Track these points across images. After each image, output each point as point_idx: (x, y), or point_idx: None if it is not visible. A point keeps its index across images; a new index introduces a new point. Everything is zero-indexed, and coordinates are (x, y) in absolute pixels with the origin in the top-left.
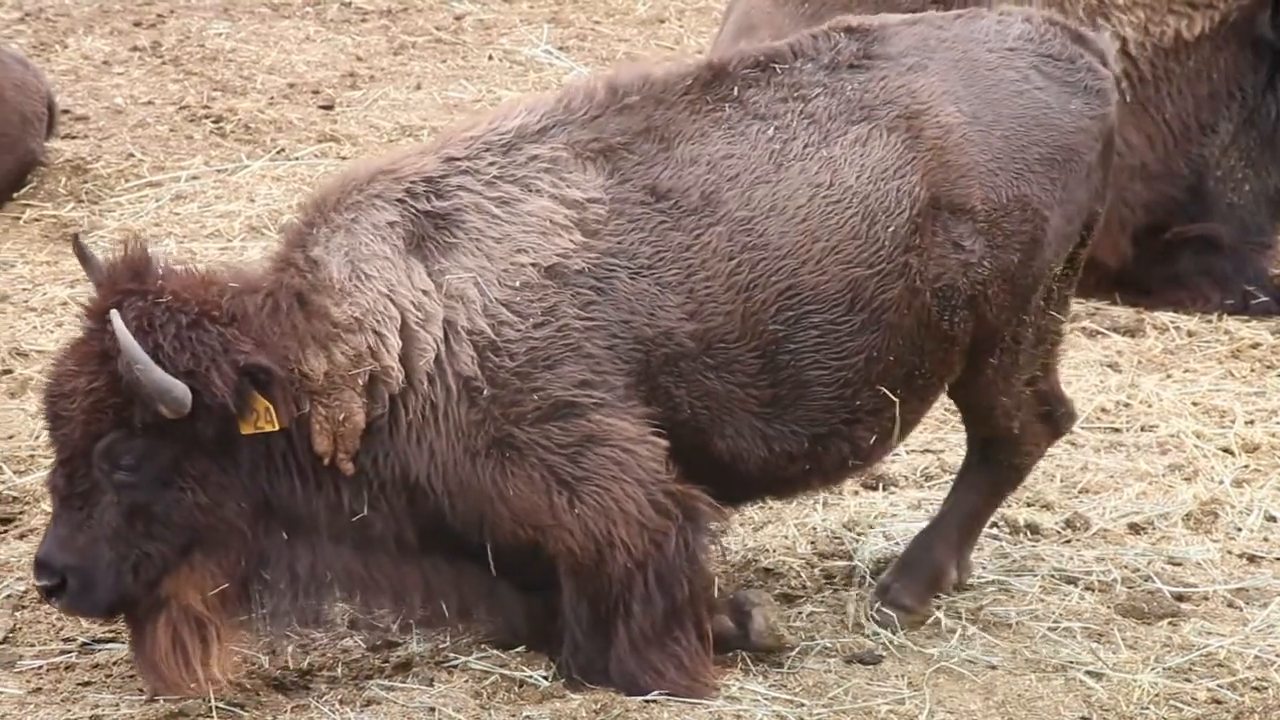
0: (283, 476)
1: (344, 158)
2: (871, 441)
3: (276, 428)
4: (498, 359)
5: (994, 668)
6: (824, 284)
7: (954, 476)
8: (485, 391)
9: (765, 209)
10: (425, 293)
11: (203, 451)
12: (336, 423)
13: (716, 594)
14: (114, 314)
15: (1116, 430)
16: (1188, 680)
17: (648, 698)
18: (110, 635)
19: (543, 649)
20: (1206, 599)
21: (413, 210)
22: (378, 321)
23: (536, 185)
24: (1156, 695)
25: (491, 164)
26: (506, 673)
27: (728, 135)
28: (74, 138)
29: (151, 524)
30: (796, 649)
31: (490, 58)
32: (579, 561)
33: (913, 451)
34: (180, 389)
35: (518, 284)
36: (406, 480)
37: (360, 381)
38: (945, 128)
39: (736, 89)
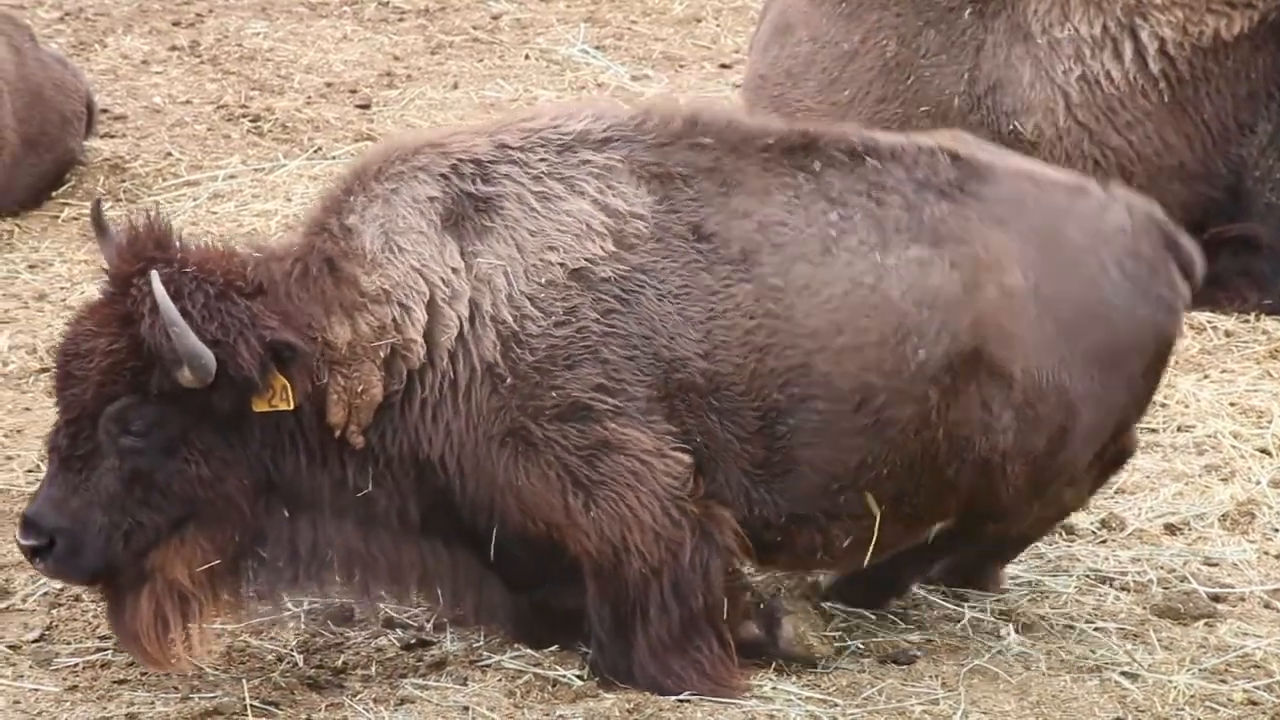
0: (290, 451)
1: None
2: (846, 544)
3: (290, 407)
4: (519, 350)
5: (1029, 668)
6: (836, 376)
7: None
8: (507, 380)
9: (799, 285)
10: (455, 270)
11: (213, 424)
12: (354, 394)
13: (748, 600)
14: (154, 274)
15: (1153, 430)
16: (1223, 681)
17: (680, 697)
18: None
19: (525, 643)
20: (1243, 600)
21: (455, 188)
22: (405, 295)
23: (581, 188)
24: (1192, 696)
25: (543, 159)
26: (540, 672)
27: (789, 203)
28: (112, 137)
29: (150, 493)
30: (827, 657)
31: (527, 57)
32: (597, 564)
33: None
34: (209, 357)
35: (543, 280)
36: (416, 458)
37: (382, 355)
38: (1007, 290)
39: (818, 164)
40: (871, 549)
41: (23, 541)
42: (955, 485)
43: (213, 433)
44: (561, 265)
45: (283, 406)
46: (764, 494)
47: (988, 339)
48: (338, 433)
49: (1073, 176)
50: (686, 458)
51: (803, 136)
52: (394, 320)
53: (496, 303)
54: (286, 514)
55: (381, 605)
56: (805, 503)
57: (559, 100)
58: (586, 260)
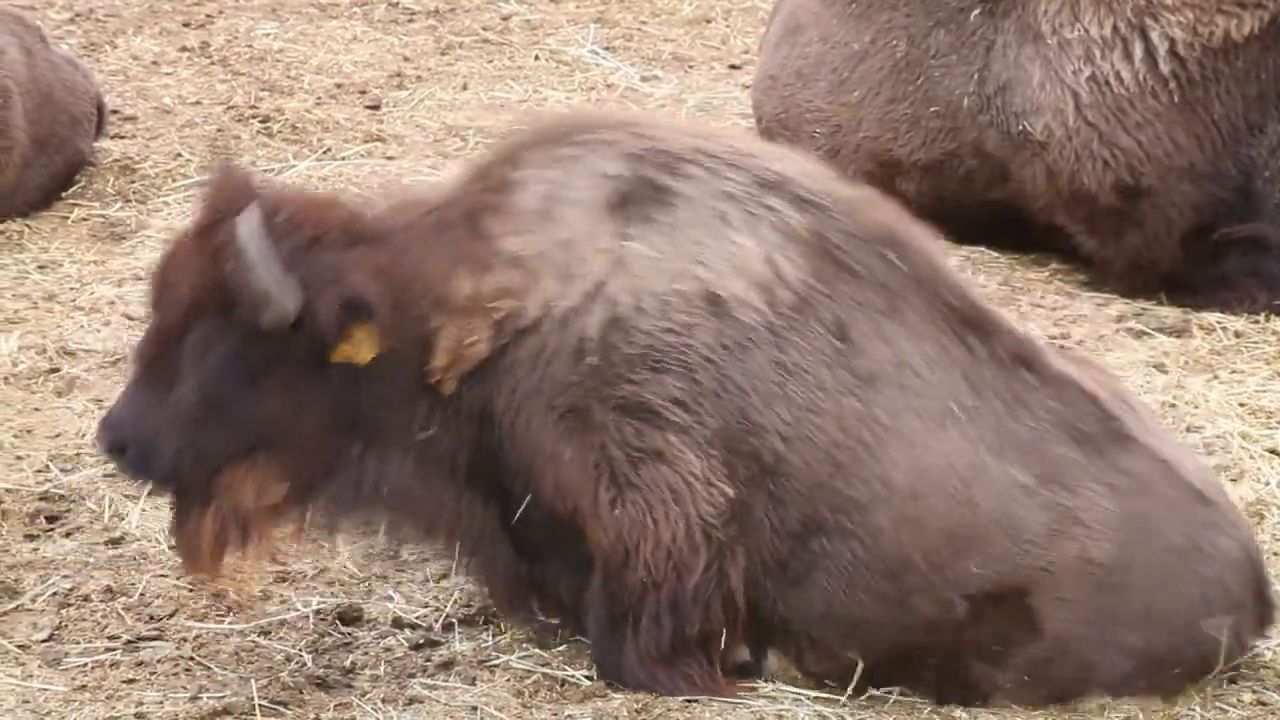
0: (370, 390)
1: (390, 158)
2: (815, 670)
3: (366, 360)
4: (617, 336)
5: None
6: (886, 536)
7: None
8: (592, 359)
9: (902, 435)
10: (599, 250)
11: (296, 362)
12: (461, 345)
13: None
14: (244, 218)
15: None
16: (1232, 681)
17: (689, 698)
18: (155, 633)
19: (508, 611)
20: None
21: (638, 172)
22: (540, 264)
23: (759, 231)
24: (1203, 698)
25: (738, 184)
26: (548, 672)
27: (933, 361)
28: (122, 138)
29: (226, 418)
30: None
31: (537, 58)
32: (606, 560)
33: None
34: (286, 306)
35: (678, 287)
36: (484, 409)
37: (497, 315)
38: (1088, 558)
39: (982, 349)
40: (850, 690)
41: (99, 446)
42: (936, 686)
43: (294, 370)
44: (702, 282)
45: (360, 357)
46: (769, 588)
47: (1042, 592)
48: (435, 379)
49: (1208, 485)
50: (731, 492)
51: (982, 315)
52: (519, 286)
53: (624, 286)
54: (357, 450)
55: (390, 605)
56: (799, 619)
57: (781, 147)
58: (728, 294)
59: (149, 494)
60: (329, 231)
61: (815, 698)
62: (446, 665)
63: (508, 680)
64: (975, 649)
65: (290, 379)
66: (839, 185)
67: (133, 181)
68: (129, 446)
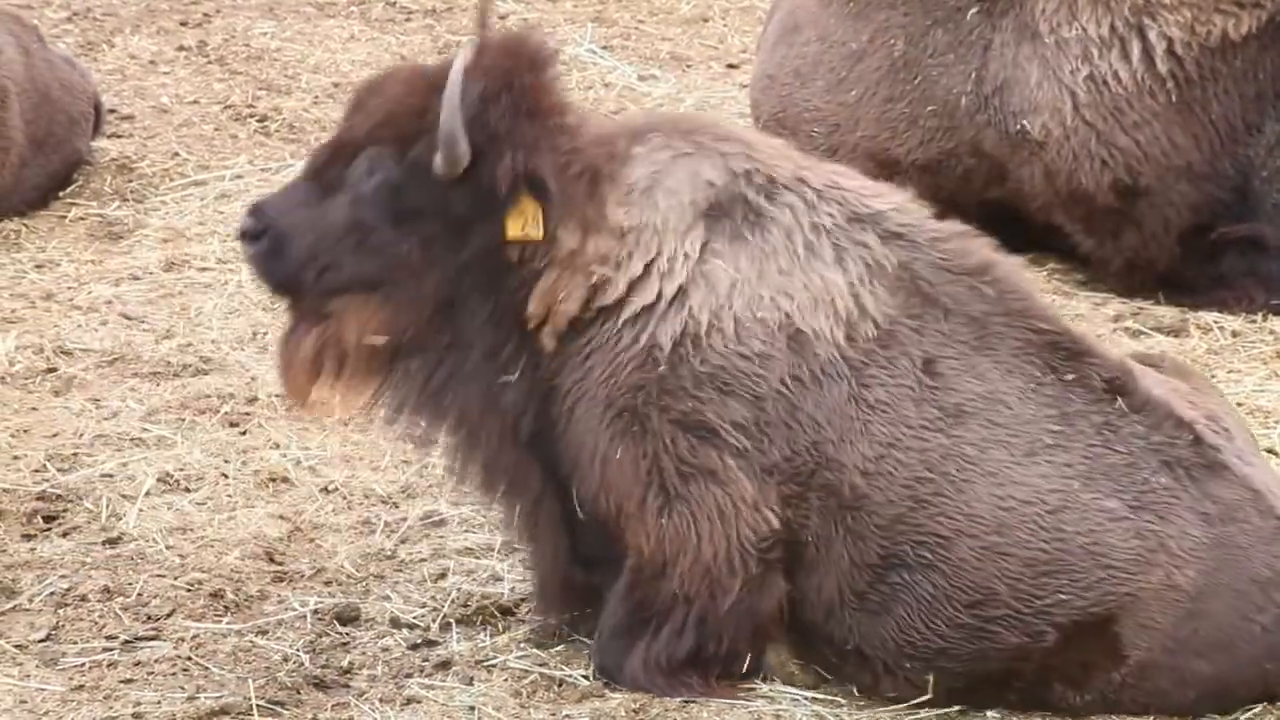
0: (482, 294)
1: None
2: (888, 694)
3: (540, 236)
4: (691, 351)
5: None
6: (968, 567)
7: None
8: (660, 367)
9: (987, 469)
10: (686, 255)
11: (445, 220)
12: (555, 297)
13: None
14: (464, 54)
15: None
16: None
17: (686, 699)
18: (152, 633)
19: (551, 597)
20: None
21: (738, 189)
22: (635, 244)
23: (846, 265)
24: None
25: (831, 217)
26: (546, 672)
27: (1025, 393)
28: (120, 137)
29: (362, 245)
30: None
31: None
32: (640, 564)
33: None
34: (464, 149)
35: (759, 315)
36: (552, 383)
37: (592, 279)
38: (1173, 584)
39: (1072, 376)
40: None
41: (243, 222)
42: (1017, 705)
43: (440, 227)
44: (785, 315)
45: (533, 234)
46: (845, 617)
47: (1131, 616)
48: (531, 324)
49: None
50: (776, 522)
51: (1075, 343)
52: (616, 256)
53: (703, 302)
54: (447, 341)
55: (388, 605)
56: (875, 647)
57: (879, 182)
58: (809, 328)
59: (269, 292)
60: (549, 113)
61: (813, 698)
62: (444, 665)
63: (505, 680)
64: (1060, 673)
65: (432, 233)
66: (931, 219)
67: (130, 181)
68: (265, 236)
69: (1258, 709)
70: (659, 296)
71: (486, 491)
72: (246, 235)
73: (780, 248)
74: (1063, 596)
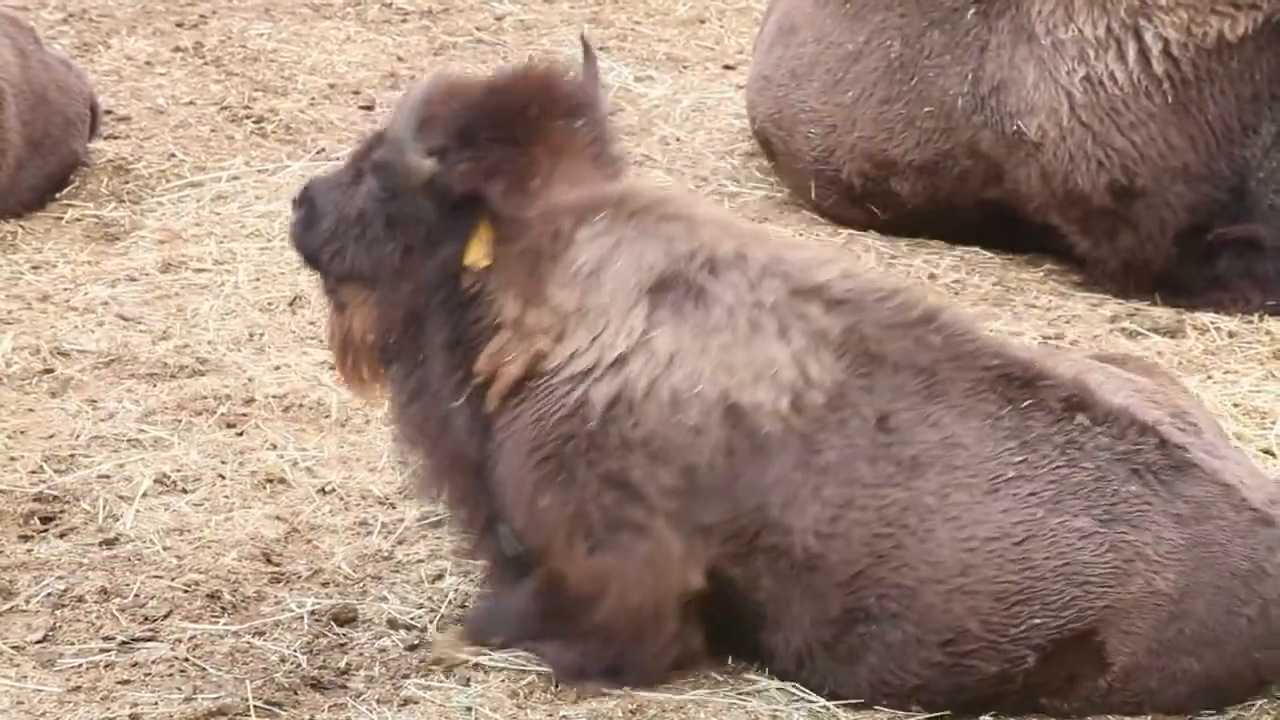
0: (445, 317)
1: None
2: None
3: (486, 262)
4: (624, 414)
5: None
6: (938, 611)
7: None
8: (589, 423)
9: (949, 513)
10: (630, 330)
11: (425, 230)
12: (502, 359)
13: None
14: (426, 80)
15: None
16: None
17: (684, 697)
18: (149, 634)
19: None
20: None
21: (681, 270)
22: (578, 321)
23: (791, 338)
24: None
25: (772, 293)
26: (543, 672)
27: (982, 431)
28: (116, 138)
29: (363, 238)
30: None
31: (531, 58)
32: (562, 586)
33: None
34: (411, 161)
35: (696, 389)
36: (490, 419)
37: (535, 347)
38: (1153, 589)
39: (1028, 403)
40: None
41: (297, 193)
42: (1005, 709)
43: (420, 237)
44: (723, 390)
45: (483, 262)
46: (816, 667)
47: (1112, 626)
48: (478, 379)
49: (1267, 502)
50: (701, 581)
51: (1026, 370)
52: (558, 331)
53: (641, 370)
54: (421, 355)
55: (385, 606)
56: (852, 691)
57: (820, 244)
58: (749, 402)
59: (300, 262)
60: (530, 160)
61: (811, 699)
62: (446, 666)
63: (502, 681)
64: (1045, 688)
65: (412, 242)
66: (875, 279)
67: (126, 182)
68: (305, 208)
69: (1255, 707)
70: (598, 363)
71: (448, 508)
72: (294, 202)
73: (723, 324)
74: (1037, 621)
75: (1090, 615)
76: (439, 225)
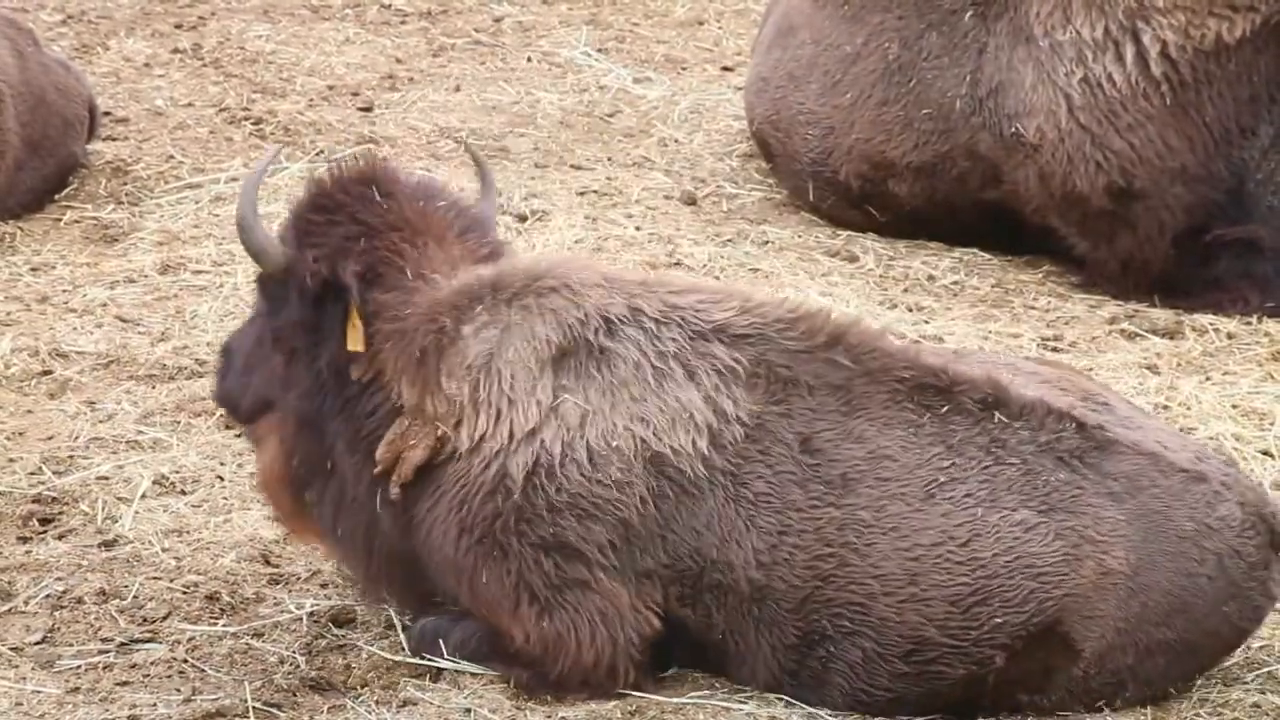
0: (343, 419)
1: (383, 159)
2: None
3: (360, 348)
4: (546, 482)
5: None
6: (894, 623)
7: None
8: (513, 496)
9: (888, 525)
10: (538, 403)
11: (303, 334)
12: (406, 443)
13: None
14: (273, 150)
15: None
16: (1227, 685)
17: (683, 699)
18: (148, 636)
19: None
20: None
21: (577, 335)
22: (473, 410)
23: (699, 379)
24: (1199, 699)
25: (673, 340)
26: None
27: (906, 440)
28: (115, 140)
29: (262, 363)
30: None
31: (529, 59)
32: (509, 641)
33: None
34: (258, 240)
35: (615, 444)
36: (406, 512)
37: (435, 433)
38: (1105, 569)
39: (946, 408)
40: None
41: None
42: (987, 709)
43: (301, 341)
44: (641, 441)
45: (357, 347)
46: (791, 694)
47: (1073, 614)
48: (378, 469)
49: (1193, 460)
50: (657, 622)
51: (939, 377)
52: (456, 418)
53: (557, 437)
54: (329, 467)
55: (385, 607)
56: (829, 710)
57: (715, 283)
58: (670, 448)
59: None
60: (389, 248)
61: (806, 702)
62: (439, 667)
63: (501, 682)
64: (1021, 685)
65: (294, 348)
66: (775, 309)
67: (125, 184)
68: (222, 360)
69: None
70: (510, 436)
71: (397, 604)
72: (219, 354)
73: (630, 379)
74: (999, 620)
75: (1050, 606)
76: (314, 322)
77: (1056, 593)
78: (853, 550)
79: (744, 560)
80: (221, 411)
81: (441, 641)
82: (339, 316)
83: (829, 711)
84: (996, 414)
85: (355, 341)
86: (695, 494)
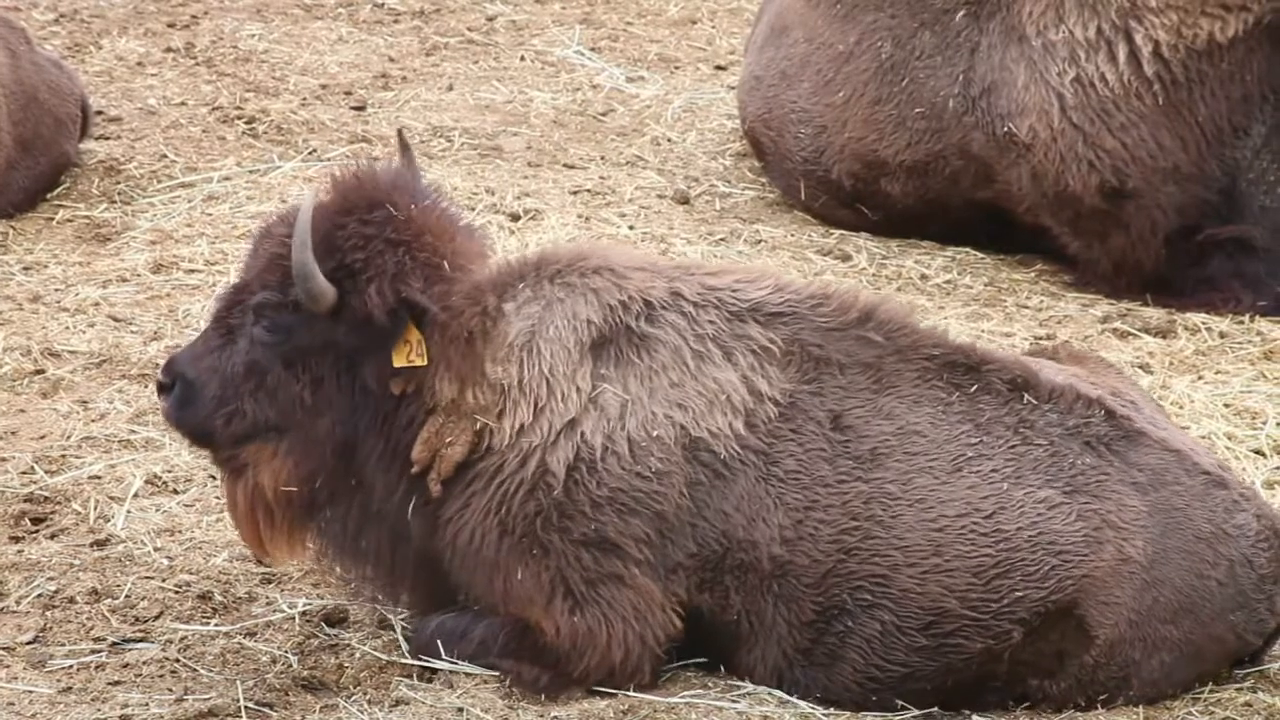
0: (377, 434)
1: (376, 159)
2: None
3: (424, 363)
4: (586, 477)
5: None
6: (915, 594)
7: None
8: (554, 492)
9: (914, 497)
10: (578, 390)
11: (334, 358)
12: (442, 441)
13: None
14: (307, 195)
15: None
16: (1219, 684)
17: (675, 699)
18: (140, 635)
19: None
20: None
21: (617, 319)
22: (520, 392)
23: (736, 360)
24: (1191, 697)
25: (712, 323)
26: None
27: (935, 417)
28: (107, 139)
29: (260, 389)
30: None
31: (522, 59)
32: (539, 633)
33: None
34: (319, 282)
35: (654, 433)
36: (437, 513)
37: (475, 426)
38: (1124, 556)
39: (976, 388)
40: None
41: (158, 376)
42: (993, 703)
43: (329, 366)
44: (680, 428)
45: (418, 362)
46: (799, 676)
47: (1091, 597)
48: (415, 469)
49: (1216, 465)
50: (680, 622)
51: (968, 356)
52: (499, 408)
53: (597, 429)
54: (354, 483)
55: (377, 607)
56: (838, 693)
57: (748, 264)
58: (707, 432)
59: (186, 443)
60: (424, 249)
61: (800, 700)
62: (432, 667)
63: (493, 682)
64: (1033, 667)
65: (322, 372)
66: (807, 287)
67: (118, 183)
68: (178, 383)
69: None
70: (549, 429)
71: (410, 608)
72: (160, 389)
73: (670, 363)
74: (1019, 594)
75: (1070, 586)
76: (355, 345)
77: (1077, 572)
78: (878, 523)
79: (769, 537)
80: (179, 435)
81: (464, 639)
82: (385, 336)
83: (824, 710)
84: (1025, 395)
85: (415, 357)
86: (728, 476)
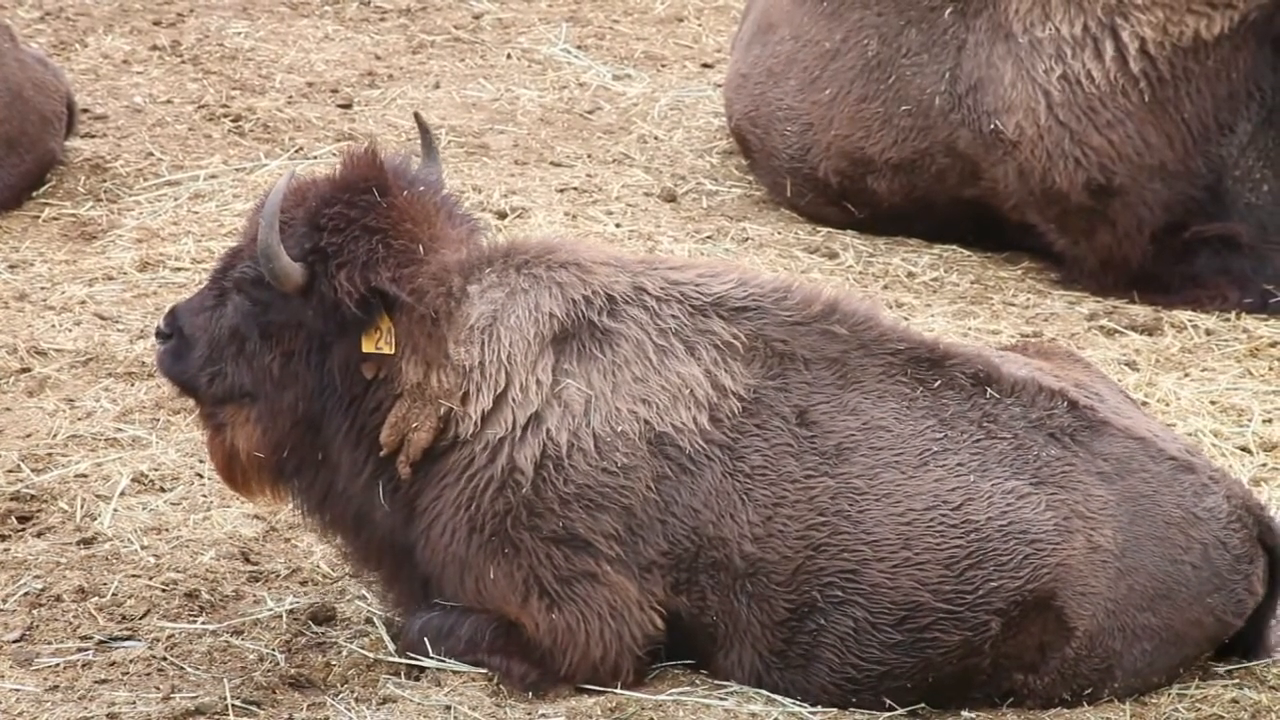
0: (344, 414)
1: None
2: None
3: (391, 351)
4: (554, 474)
5: None
6: (886, 589)
7: None
8: (523, 490)
9: (881, 492)
10: (538, 383)
11: (306, 336)
12: (408, 426)
13: None
14: (288, 175)
15: None
16: (1206, 680)
17: (662, 696)
18: (127, 633)
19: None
20: None
21: (580, 313)
22: (482, 376)
23: (699, 354)
24: (1175, 694)
25: (675, 318)
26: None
27: (899, 412)
28: (93, 136)
29: (240, 354)
30: None
31: (509, 56)
32: (518, 629)
33: None
34: (283, 265)
35: (618, 429)
36: (411, 503)
37: (440, 410)
38: (1095, 545)
39: (940, 382)
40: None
41: (159, 323)
42: (979, 700)
43: (302, 343)
44: (645, 423)
45: (385, 350)
46: (776, 679)
47: (1067, 587)
48: (383, 452)
49: (1183, 450)
50: (660, 622)
51: (931, 351)
52: (462, 390)
53: (561, 425)
54: (321, 458)
55: (363, 604)
56: (816, 695)
57: (710, 258)
58: (671, 427)
59: (172, 390)
60: (401, 236)
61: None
62: (420, 665)
63: (481, 680)
64: (1016, 660)
65: (291, 349)
66: (770, 281)
67: (104, 180)
68: (174, 337)
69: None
70: (513, 424)
71: (380, 587)
72: (159, 335)
73: (632, 357)
74: (994, 583)
75: (1045, 575)
76: (326, 327)
77: (1051, 560)
78: (845, 517)
79: (738, 534)
80: (168, 382)
81: (451, 636)
82: (358, 321)
83: (809, 709)
84: (989, 389)
85: (385, 344)
86: (694, 471)
